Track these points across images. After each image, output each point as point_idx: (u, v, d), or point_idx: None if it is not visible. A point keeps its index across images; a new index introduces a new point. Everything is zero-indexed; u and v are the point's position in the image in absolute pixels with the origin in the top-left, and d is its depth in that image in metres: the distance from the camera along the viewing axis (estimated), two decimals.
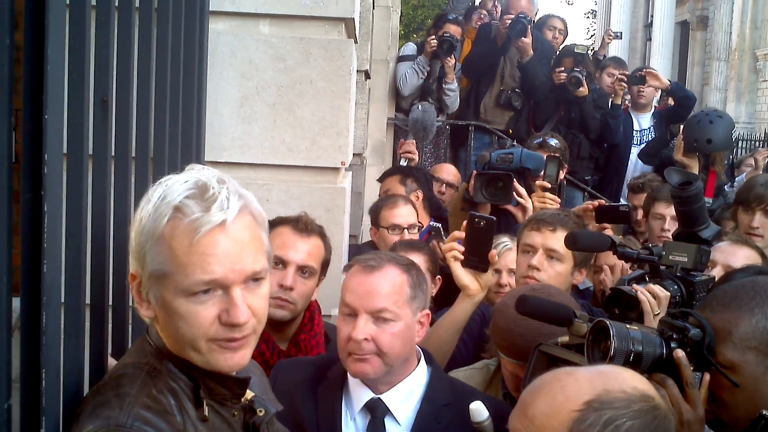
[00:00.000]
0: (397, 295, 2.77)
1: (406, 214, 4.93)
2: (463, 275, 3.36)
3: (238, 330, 1.91)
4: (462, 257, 3.34)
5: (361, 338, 2.69)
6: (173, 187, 1.90)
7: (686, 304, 3.08)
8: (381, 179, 6.19)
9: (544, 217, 3.90)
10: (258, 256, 1.95)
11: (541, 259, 3.78)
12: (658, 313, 2.98)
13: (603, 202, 4.41)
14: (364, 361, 2.72)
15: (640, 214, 5.87)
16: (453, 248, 3.37)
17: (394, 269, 2.81)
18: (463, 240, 3.35)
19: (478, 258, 3.31)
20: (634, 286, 3.04)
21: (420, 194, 5.61)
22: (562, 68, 7.93)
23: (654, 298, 3.00)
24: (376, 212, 5.04)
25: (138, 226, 1.92)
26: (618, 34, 9.26)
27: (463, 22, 8.49)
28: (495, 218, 3.35)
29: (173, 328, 1.92)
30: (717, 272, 3.81)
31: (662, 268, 3.13)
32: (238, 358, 1.96)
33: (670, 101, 8.50)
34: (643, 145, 8.06)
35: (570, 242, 3.37)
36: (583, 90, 7.76)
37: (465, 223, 3.35)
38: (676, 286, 3.05)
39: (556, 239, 3.76)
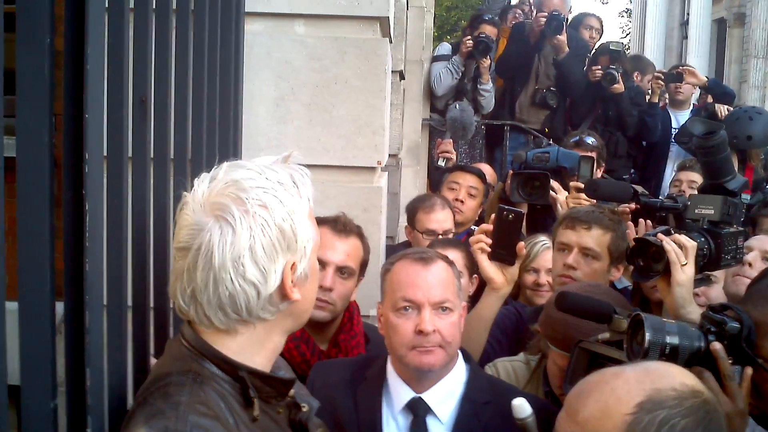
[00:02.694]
0: (452, 286, 2.80)
1: (442, 220, 4.90)
2: (488, 268, 3.34)
3: None
4: (489, 250, 3.33)
5: (431, 329, 2.69)
6: (286, 170, 1.98)
7: (714, 256, 3.02)
8: (450, 170, 6.13)
9: (578, 215, 3.86)
10: None
11: (576, 258, 3.74)
12: (686, 264, 2.93)
13: (638, 205, 4.36)
14: (430, 353, 2.71)
15: (684, 185, 5.85)
16: (480, 240, 3.35)
17: (442, 261, 2.84)
18: (491, 233, 3.34)
19: (505, 251, 3.30)
20: (660, 235, 2.98)
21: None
22: (598, 66, 7.87)
23: (680, 248, 2.95)
24: (413, 212, 5.00)
25: (288, 213, 1.92)
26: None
27: (499, 23, 8.43)
28: (523, 212, 3.34)
29: (312, 294, 2.09)
30: (753, 257, 3.76)
31: (688, 221, 3.07)
32: None
33: (709, 98, 8.42)
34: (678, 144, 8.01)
35: (590, 190, 3.32)
36: (618, 87, 7.71)
37: (493, 216, 3.34)
38: (703, 239, 2.99)
39: (591, 237, 3.73)
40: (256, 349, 2.00)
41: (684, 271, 2.95)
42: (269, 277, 1.90)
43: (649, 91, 8.19)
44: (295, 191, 1.94)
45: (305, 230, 1.95)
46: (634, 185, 3.59)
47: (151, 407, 1.84)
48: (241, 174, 1.93)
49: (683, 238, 2.95)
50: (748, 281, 3.50)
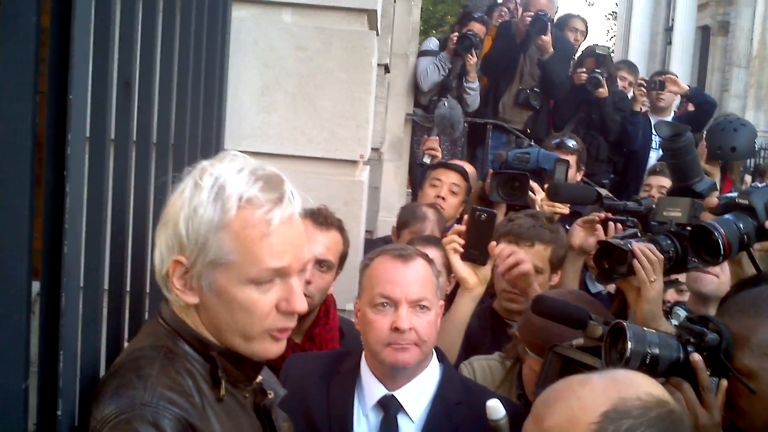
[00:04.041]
0: (431, 284, 2.81)
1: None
2: (461, 268, 3.34)
3: (291, 319, 2.01)
4: (461, 250, 3.34)
5: (407, 327, 2.70)
6: (230, 177, 1.93)
7: (681, 260, 3.03)
8: (434, 167, 6.07)
9: (520, 231, 3.87)
10: (308, 245, 2.08)
11: None
12: (654, 280, 2.94)
13: (610, 214, 4.35)
14: (405, 351, 2.72)
15: (654, 190, 5.85)
16: (453, 241, 3.36)
17: (422, 259, 2.84)
18: (464, 233, 3.34)
19: (478, 251, 3.31)
20: (633, 244, 2.97)
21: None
22: (584, 69, 7.88)
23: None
24: (403, 224, 4.86)
25: (190, 213, 1.92)
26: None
27: (488, 21, 8.42)
28: (496, 212, 3.35)
29: (226, 315, 1.96)
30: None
31: (655, 224, 3.08)
32: (279, 347, 2.05)
33: (690, 106, 8.44)
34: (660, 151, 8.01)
35: (552, 194, 3.31)
36: (603, 91, 7.70)
37: (466, 216, 3.35)
38: (669, 242, 3.00)
39: (535, 254, 3.79)
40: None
41: (653, 288, 2.97)
42: (162, 264, 1.97)
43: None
44: (251, 210, 1.91)
45: (205, 237, 1.91)
46: (598, 188, 3.58)
47: (121, 378, 1.88)
48: (216, 166, 1.98)
49: (650, 253, 2.96)
50: (711, 277, 3.52)
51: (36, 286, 1.78)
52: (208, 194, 1.91)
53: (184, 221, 1.92)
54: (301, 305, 1.99)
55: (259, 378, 2.15)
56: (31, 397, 1.78)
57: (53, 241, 1.83)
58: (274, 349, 2.03)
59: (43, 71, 1.76)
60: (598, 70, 7.73)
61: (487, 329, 3.91)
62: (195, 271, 1.93)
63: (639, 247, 2.94)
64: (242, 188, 1.91)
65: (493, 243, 3.33)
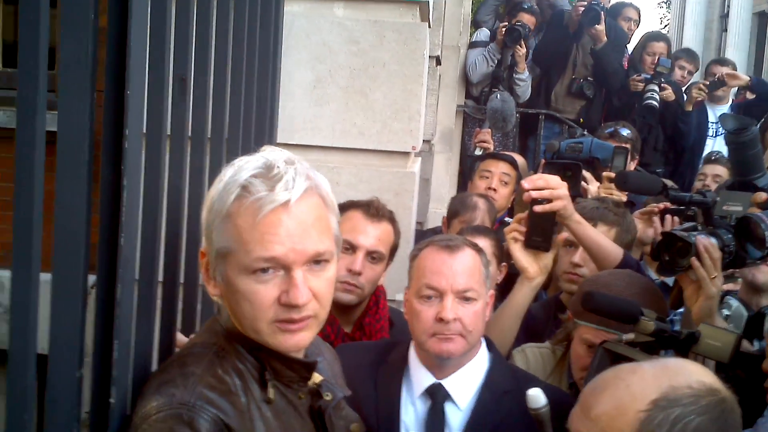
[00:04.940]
0: (477, 275, 2.79)
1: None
2: (522, 257, 3.31)
3: (296, 311, 1.89)
4: (522, 239, 3.32)
5: (452, 318, 2.70)
6: (243, 167, 1.90)
7: (740, 254, 3.00)
8: (482, 158, 6.05)
9: (583, 211, 3.81)
10: (323, 237, 1.93)
11: (583, 255, 3.73)
12: (715, 276, 2.90)
13: (668, 204, 4.29)
14: (449, 341, 2.71)
15: (709, 179, 5.80)
16: (514, 229, 3.33)
17: (469, 249, 2.83)
18: (525, 220, 3.31)
19: (541, 237, 3.27)
20: (697, 238, 2.92)
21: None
22: (641, 76, 7.79)
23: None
24: (453, 213, 4.79)
25: (208, 204, 1.94)
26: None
27: (538, 12, 8.34)
28: None
29: (236, 306, 1.92)
30: None
31: (716, 217, 3.04)
32: (297, 340, 1.94)
33: (748, 94, 8.29)
34: (718, 137, 7.90)
35: (620, 182, 3.27)
36: (656, 109, 7.63)
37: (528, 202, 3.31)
38: (729, 236, 2.95)
39: None
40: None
41: (714, 284, 2.91)
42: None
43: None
44: (246, 197, 1.86)
45: (212, 226, 1.91)
46: (664, 179, 3.54)
47: (167, 374, 1.91)
48: (242, 159, 1.96)
49: (712, 250, 2.90)
50: (766, 267, 3.48)
51: (92, 279, 1.82)
52: (223, 185, 1.90)
53: (205, 213, 1.95)
54: (302, 298, 1.87)
55: (319, 379, 2.11)
56: (85, 386, 1.83)
57: (110, 234, 1.87)
58: (292, 340, 1.93)
59: (101, 70, 1.80)
60: (656, 81, 7.62)
61: (551, 319, 3.90)
62: (212, 262, 1.94)
63: (702, 242, 2.90)
64: (245, 176, 1.87)
65: (563, 235, 3.30)
